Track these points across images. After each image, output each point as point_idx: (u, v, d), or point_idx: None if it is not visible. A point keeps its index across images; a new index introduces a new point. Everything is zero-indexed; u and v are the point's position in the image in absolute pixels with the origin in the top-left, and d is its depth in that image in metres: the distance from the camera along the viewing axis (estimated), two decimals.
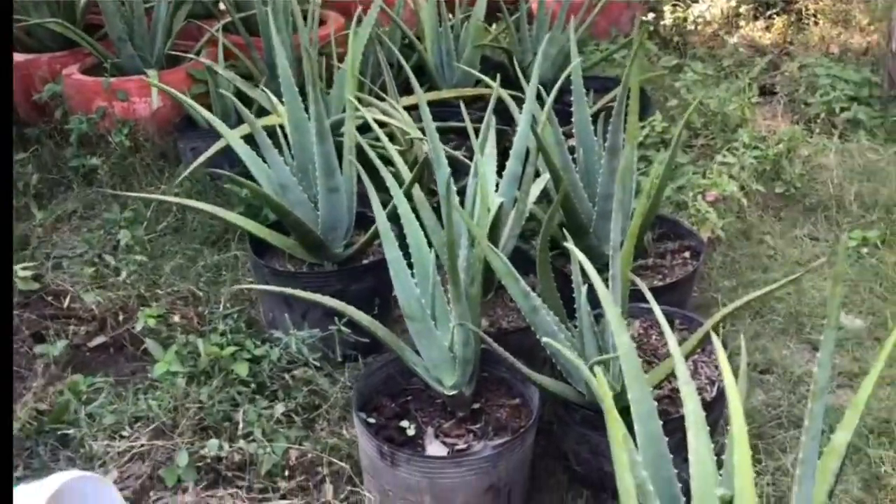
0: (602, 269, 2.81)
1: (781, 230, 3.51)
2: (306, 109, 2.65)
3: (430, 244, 2.27)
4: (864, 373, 2.78)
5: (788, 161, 3.69)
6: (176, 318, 2.82)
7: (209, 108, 3.74)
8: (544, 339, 2.08)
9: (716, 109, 3.96)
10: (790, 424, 2.54)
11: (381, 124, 2.99)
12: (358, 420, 2.10)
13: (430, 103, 3.71)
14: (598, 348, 2.14)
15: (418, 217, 2.36)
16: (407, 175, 2.61)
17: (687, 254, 2.81)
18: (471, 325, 2.06)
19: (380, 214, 2.08)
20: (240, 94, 3.81)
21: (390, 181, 2.33)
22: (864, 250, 3.37)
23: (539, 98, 2.66)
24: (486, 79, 3.20)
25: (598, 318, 2.31)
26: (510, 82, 4.04)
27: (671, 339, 1.63)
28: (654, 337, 2.47)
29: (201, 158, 3.05)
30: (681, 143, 3.72)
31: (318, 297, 2.17)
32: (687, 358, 2.09)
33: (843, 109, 4.25)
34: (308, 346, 2.54)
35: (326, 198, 2.63)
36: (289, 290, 2.24)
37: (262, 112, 3.57)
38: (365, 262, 2.78)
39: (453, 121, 3.75)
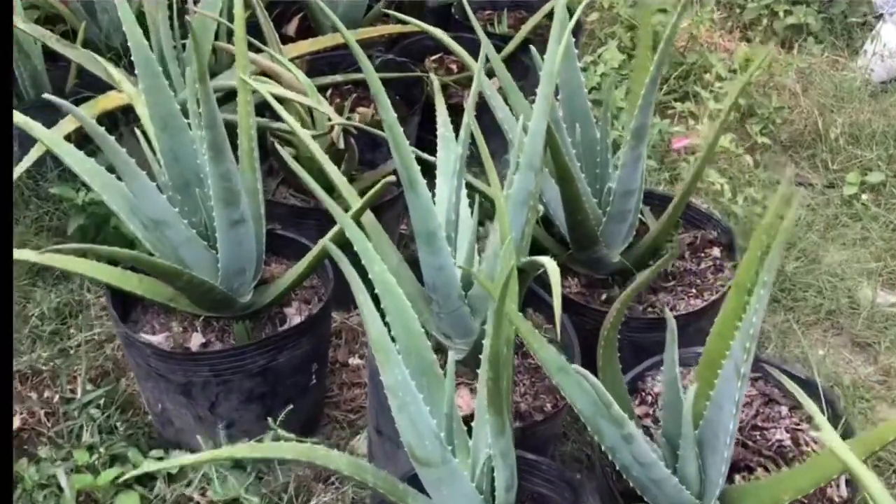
0: (609, 279, 2.11)
1: (765, 179, 2.90)
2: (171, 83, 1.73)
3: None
4: None
5: (758, 91, 3.07)
6: (15, 423, 1.90)
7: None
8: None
9: (659, 25, 3.24)
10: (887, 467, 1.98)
11: (279, 99, 2.09)
12: None
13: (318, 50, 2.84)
14: (696, 456, 1.44)
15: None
16: (355, 198, 1.77)
17: (716, 250, 2.13)
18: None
19: (372, 320, 1.25)
20: (48, 53, 2.77)
21: (337, 213, 1.50)
22: (865, 197, 2.82)
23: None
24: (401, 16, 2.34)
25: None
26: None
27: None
28: None
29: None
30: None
31: (276, 449, 1.34)
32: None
33: (787, 13, 3.65)
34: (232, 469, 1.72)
35: (228, 234, 1.75)
36: (239, 453, 1.37)
37: (86, 82, 2.57)
38: (296, 319, 1.93)
39: (344, 67, 2.88)
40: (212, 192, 1.70)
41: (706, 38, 3.48)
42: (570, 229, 1.96)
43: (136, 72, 1.70)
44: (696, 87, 2.96)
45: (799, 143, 3.03)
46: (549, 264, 1.29)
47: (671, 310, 1.97)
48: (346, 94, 2.89)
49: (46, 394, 2.03)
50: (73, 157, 1.80)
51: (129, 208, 1.81)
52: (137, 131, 1.84)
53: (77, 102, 2.50)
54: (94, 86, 2.65)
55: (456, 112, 2.82)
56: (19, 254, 1.79)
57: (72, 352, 2.18)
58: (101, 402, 2.00)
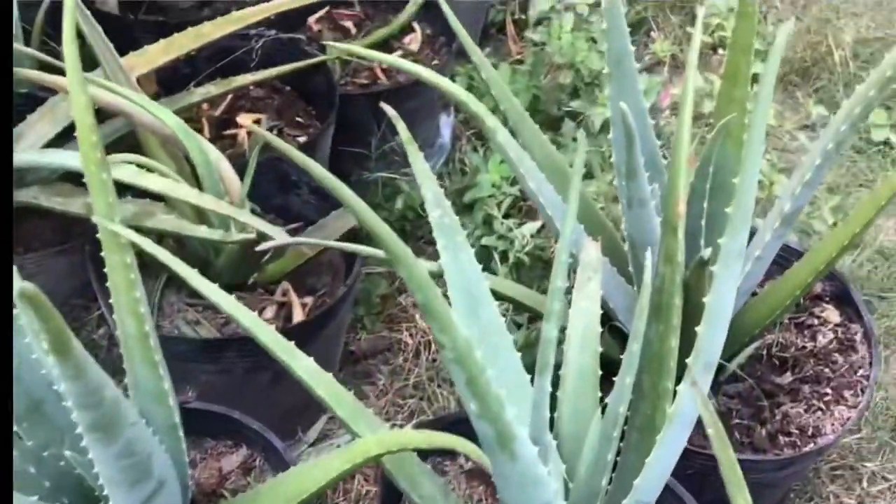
0: None
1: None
2: None
3: None
4: None
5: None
6: None
7: None
8: None
9: None
10: None
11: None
12: None
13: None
14: None
15: None
16: None
17: (830, 311, 1.49)
18: None
19: None
20: None
21: None
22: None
23: None
24: None
25: None
26: None
27: None
28: None
29: None
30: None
31: None
32: None
33: None
34: None
35: None
36: None
37: None
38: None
39: (208, 63, 2.00)
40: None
41: None
42: None
43: None
44: (671, 14, 2.24)
45: (800, 73, 2.40)
46: None
47: (812, 436, 1.33)
48: (216, 100, 2.02)
49: None
50: None
51: None
52: None
53: None
54: None
55: (375, 99, 2.01)
56: None
57: None
58: None
